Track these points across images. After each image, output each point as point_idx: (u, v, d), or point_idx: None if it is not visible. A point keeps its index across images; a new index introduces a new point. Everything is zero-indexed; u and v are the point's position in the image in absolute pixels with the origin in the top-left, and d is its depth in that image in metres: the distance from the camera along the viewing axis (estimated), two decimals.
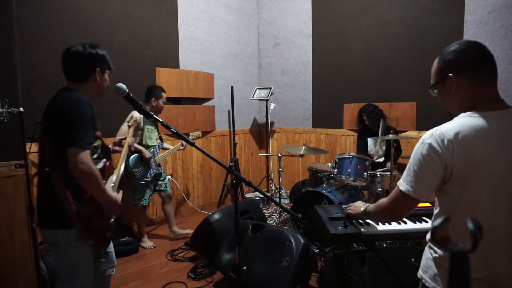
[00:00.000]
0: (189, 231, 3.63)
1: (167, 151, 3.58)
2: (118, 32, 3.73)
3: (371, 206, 1.44)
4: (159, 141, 3.57)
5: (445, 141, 1.05)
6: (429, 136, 1.09)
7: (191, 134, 3.79)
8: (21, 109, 2.12)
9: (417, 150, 1.11)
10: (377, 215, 1.38)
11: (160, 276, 2.90)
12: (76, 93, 1.61)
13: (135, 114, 3.18)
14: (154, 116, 1.62)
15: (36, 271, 2.19)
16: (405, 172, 1.16)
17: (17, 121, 2.12)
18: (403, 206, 1.18)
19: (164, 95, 3.49)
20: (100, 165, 1.69)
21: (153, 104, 3.41)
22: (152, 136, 3.43)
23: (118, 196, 1.72)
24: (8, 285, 2.23)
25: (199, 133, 3.86)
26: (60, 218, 1.54)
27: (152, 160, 3.34)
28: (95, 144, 1.65)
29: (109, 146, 2.04)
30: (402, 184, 1.15)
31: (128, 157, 3.26)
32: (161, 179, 3.55)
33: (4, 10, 2.35)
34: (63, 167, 1.50)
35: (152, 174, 3.36)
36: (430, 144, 1.07)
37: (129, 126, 2.33)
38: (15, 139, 2.17)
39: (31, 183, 2.17)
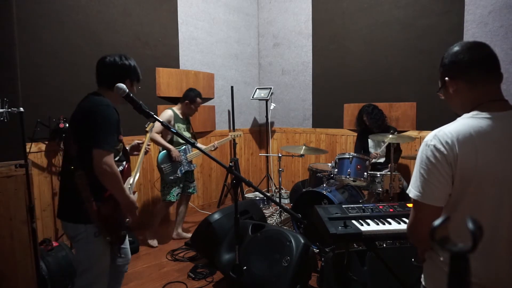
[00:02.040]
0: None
1: (199, 150, 3.59)
2: (118, 32, 3.73)
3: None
4: (193, 139, 3.64)
5: (449, 142, 1.04)
6: (433, 138, 1.07)
7: (230, 134, 3.83)
8: (21, 109, 2.12)
9: (422, 153, 1.09)
10: (411, 239, 1.19)
11: (160, 276, 2.90)
12: (104, 98, 1.69)
13: (166, 113, 3.41)
14: (154, 116, 1.64)
15: (36, 271, 2.19)
16: (412, 179, 1.11)
17: (17, 121, 2.12)
18: (420, 216, 1.09)
19: (199, 100, 3.58)
20: (121, 167, 1.77)
21: (186, 105, 3.53)
22: (184, 133, 3.51)
23: (135, 197, 1.79)
24: (8, 285, 2.23)
25: (239, 133, 3.92)
26: (80, 213, 1.62)
27: (183, 157, 3.46)
28: (118, 147, 1.74)
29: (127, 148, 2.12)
30: (412, 191, 1.10)
31: (158, 153, 3.44)
32: (191, 181, 3.65)
33: (4, 10, 2.35)
34: (87, 167, 1.58)
35: (183, 171, 3.47)
36: (434, 146, 1.05)
37: (146, 131, 2.29)
38: (15, 139, 2.17)
39: (31, 183, 2.18)
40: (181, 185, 3.53)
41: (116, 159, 1.73)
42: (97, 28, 3.54)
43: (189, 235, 3.66)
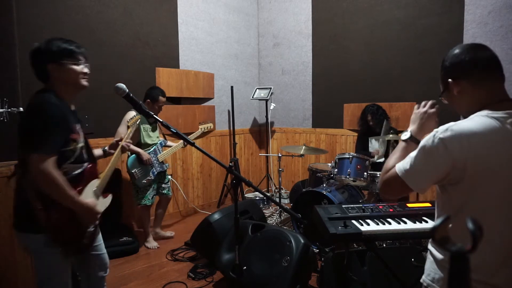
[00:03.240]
0: (171, 234, 3.74)
1: (170, 148, 3.51)
2: (118, 32, 3.73)
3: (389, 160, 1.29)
4: (162, 139, 3.55)
5: (461, 139, 1.02)
6: (444, 131, 1.05)
7: (200, 127, 3.74)
8: (21, 109, 2.12)
9: (427, 140, 1.07)
10: (380, 191, 1.29)
11: (160, 276, 2.90)
12: (47, 94, 1.51)
13: (133, 113, 3.17)
14: (154, 116, 1.62)
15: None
16: (408, 157, 1.14)
17: (17, 121, 2.12)
18: (393, 186, 1.17)
19: (162, 100, 3.39)
20: (78, 170, 1.60)
21: (148, 106, 3.33)
22: (151, 134, 3.40)
23: (95, 202, 1.65)
24: (7, 285, 2.22)
25: (210, 125, 3.79)
26: (30, 222, 1.49)
27: (154, 158, 3.33)
28: (70, 147, 1.56)
29: (105, 148, 1.99)
30: (399, 165, 1.15)
31: (127, 157, 3.26)
32: (165, 182, 3.55)
33: (4, 10, 2.35)
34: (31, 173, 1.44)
35: (155, 172, 3.35)
36: (441, 139, 1.04)
37: (128, 127, 2.24)
38: (15, 139, 2.17)
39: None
40: (154, 187, 3.42)
41: (71, 161, 1.56)
42: (97, 28, 3.54)
43: (168, 234, 3.71)
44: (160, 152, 3.42)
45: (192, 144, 1.65)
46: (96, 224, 1.71)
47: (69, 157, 1.56)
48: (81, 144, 1.63)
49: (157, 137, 3.50)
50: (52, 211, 1.49)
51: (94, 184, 1.69)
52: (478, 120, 1.05)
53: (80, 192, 1.59)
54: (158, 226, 3.70)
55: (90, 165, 1.67)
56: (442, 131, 1.05)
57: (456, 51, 1.15)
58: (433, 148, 1.05)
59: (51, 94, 1.51)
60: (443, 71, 1.19)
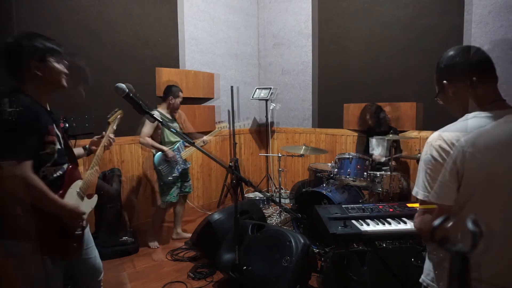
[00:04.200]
0: (189, 235, 3.68)
1: (189, 148, 3.57)
2: (118, 32, 3.73)
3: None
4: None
5: (455, 142, 1.04)
6: (437, 138, 1.07)
7: (217, 126, 3.77)
8: None
9: (426, 152, 1.09)
10: (424, 239, 1.23)
11: (160, 276, 2.90)
12: (21, 97, 1.42)
13: (156, 112, 3.31)
14: (154, 116, 1.62)
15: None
16: (418, 180, 1.12)
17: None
18: (429, 217, 1.08)
19: (181, 94, 3.55)
20: (59, 172, 1.55)
21: (170, 102, 3.48)
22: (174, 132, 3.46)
23: (78, 203, 1.61)
24: (9, 284, 2.22)
25: (225, 124, 3.81)
26: (10, 229, 1.42)
27: (178, 155, 3.42)
28: (47, 150, 1.48)
29: (86, 146, 1.91)
30: (419, 192, 1.10)
31: (153, 155, 3.36)
32: (187, 180, 3.62)
33: (4, 10, 2.35)
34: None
35: (180, 170, 3.43)
36: (439, 146, 1.06)
37: (109, 123, 2.02)
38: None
39: None
40: (178, 185, 3.51)
41: (49, 164, 1.49)
42: (97, 28, 3.54)
43: (189, 235, 3.65)
44: (183, 150, 3.51)
45: (192, 144, 1.65)
46: (83, 226, 1.64)
47: (47, 160, 1.49)
48: (58, 146, 1.55)
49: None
50: (33, 217, 1.41)
51: (77, 185, 1.64)
52: (468, 122, 1.08)
53: (63, 195, 1.54)
54: (179, 226, 3.73)
55: (71, 166, 1.62)
56: (435, 139, 1.08)
57: (451, 53, 1.17)
58: (436, 157, 1.06)
59: (25, 97, 1.43)
60: (438, 73, 1.21)
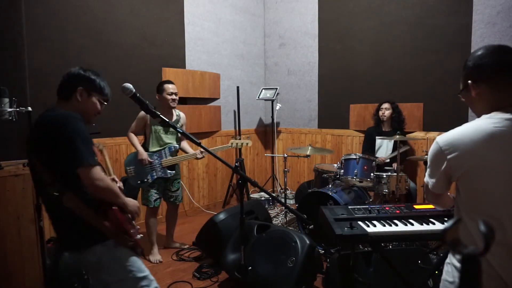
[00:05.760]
0: (180, 245, 3.49)
1: (181, 156, 3.26)
2: (124, 33, 3.75)
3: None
4: (174, 144, 3.21)
5: (454, 143, 1.10)
6: (440, 138, 1.17)
7: (231, 142, 3.28)
8: (29, 108, 2.14)
9: (431, 148, 1.21)
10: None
11: (165, 276, 2.91)
12: (64, 110, 1.54)
13: (139, 115, 3.12)
14: (161, 116, 1.63)
15: (43, 269, 2.21)
16: (427, 168, 1.28)
17: (25, 121, 2.14)
18: (429, 197, 1.33)
19: (167, 86, 3.12)
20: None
21: (158, 99, 3.18)
22: (162, 136, 3.15)
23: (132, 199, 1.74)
24: (15, 282, 2.25)
25: (246, 141, 3.29)
26: (91, 234, 1.52)
27: (157, 161, 3.10)
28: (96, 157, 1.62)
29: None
30: (426, 177, 1.28)
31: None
32: (172, 190, 3.29)
33: (13, 10, 2.38)
34: (73, 187, 1.47)
35: (155, 177, 3.11)
36: (438, 143, 1.16)
37: (100, 150, 2.08)
38: (23, 138, 2.19)
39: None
40: (158, 192, 3.17)
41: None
42: (104, 28, 3.56)
43: (177, 244, 3.48)
44: (165, 157, 3.14)
45: (198, 144, 1.66)
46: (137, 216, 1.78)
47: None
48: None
49: (174, 140, 3.23)
50: (106, 215, 1.54)
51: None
52: (474, 123, 1.12)
53: None
54: (169, 234, 3.48)
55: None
56: (439, 140, 1.19)
57: (481, 52, 1.15)
58: (434, 155, 1.20)
59: (74, 113, 1.54)
60: (465, 71, 1.19)
